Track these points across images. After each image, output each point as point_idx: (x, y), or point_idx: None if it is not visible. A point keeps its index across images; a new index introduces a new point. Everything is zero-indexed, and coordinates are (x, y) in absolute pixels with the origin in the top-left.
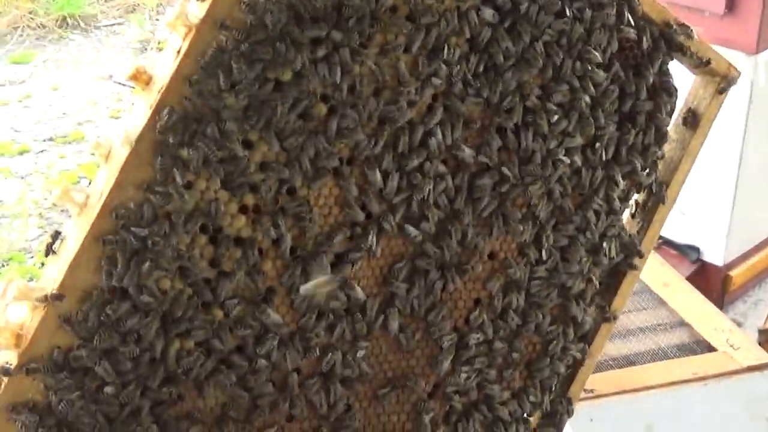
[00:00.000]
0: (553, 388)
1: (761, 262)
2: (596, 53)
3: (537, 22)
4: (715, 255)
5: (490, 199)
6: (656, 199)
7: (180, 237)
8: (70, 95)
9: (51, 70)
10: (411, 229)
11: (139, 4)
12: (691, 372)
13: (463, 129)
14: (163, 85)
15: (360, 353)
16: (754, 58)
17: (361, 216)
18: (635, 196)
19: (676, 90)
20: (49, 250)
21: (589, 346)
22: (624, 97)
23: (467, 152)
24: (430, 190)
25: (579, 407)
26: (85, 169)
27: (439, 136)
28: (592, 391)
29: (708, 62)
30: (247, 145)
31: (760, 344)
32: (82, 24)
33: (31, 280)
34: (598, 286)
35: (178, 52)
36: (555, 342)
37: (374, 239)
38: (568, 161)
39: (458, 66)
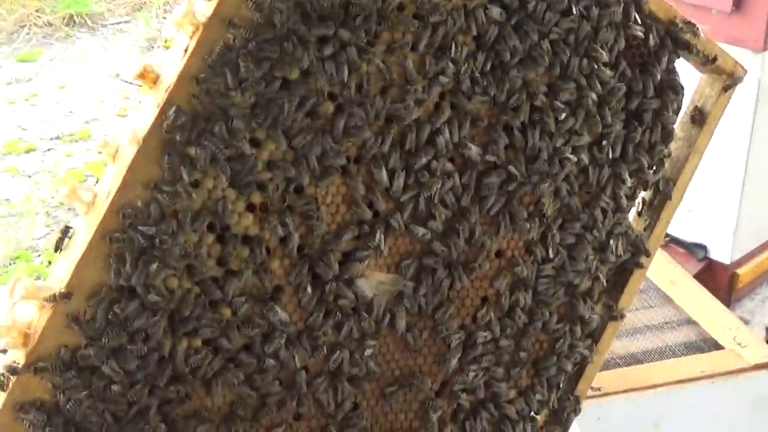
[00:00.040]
0: (561, 386)
1: None
2: (603, 51)
3: (544, 21)
4: (722, 253)
5: (497, 197)
6: (663, 197)
7: (187, 236)
8: (76, 93)
9: (58, 69)
10: (418, 228)
11: (146, 3)
12: (699, 370)
13: (470, 127)
14: (170, 84)
15: (367, 352)
16: (761, 56)
17: (368, 214)
18: (642, 194)
19: (682, 88)
20: (59, 246)
21: (596, 344)
22: (631, 95)
23: (474, 150)
24: (437, 188)
25: (586, 405)
26: (92, 168)
27: (447, 134)
28: (599, 389)
29: (714, 59)
30: (255, 143)
31: (767, 342)
32: (88, 22)
33: (38, 278)
34: (605, 284)
35: (186, 50)
36: (562, 340)
37: (382, 237)
38: (575, 159)
39: (466, 64)
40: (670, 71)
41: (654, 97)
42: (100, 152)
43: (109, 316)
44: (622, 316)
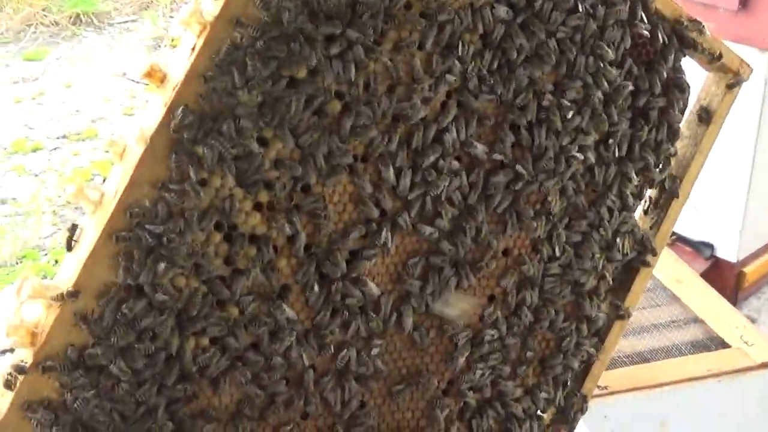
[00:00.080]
0: (567, 385)
1: None
2: (609, 50)
3: (550, 19)
4: (728, 251)
5: (503, 196)
6: (669, 195)
7: (195, 234)
8: (83, 92)
9: (64, 68)
10: (426, 227)
11: (152, 2)
12: (705, 369)
13: (477, 126)
14: (177, 83)
15: (374, 350)
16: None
17: (375, 213)
18: (648, 193)
19: (688, 86)
20: (70, 243)
21: (602, 343)
22: (637, 94)
23: (480, 149)
24: (445, 186)
25: (593, 404)
26: (98, 167)
27: (453, 132)
28: (605, 388)
29: (720, 57)
30: (262, 142)
31: None
32: (95, 21)
33: (44, 277)
34: (611, 282)
35: (193, 49)
36: (569, 338)
37: (388, 235)
38: (582, 158)
39: (473, 63)
40: (676, 70)
41: (660, 96)
42: (107, 151)
43: (117, 316)
44: (629, 315)
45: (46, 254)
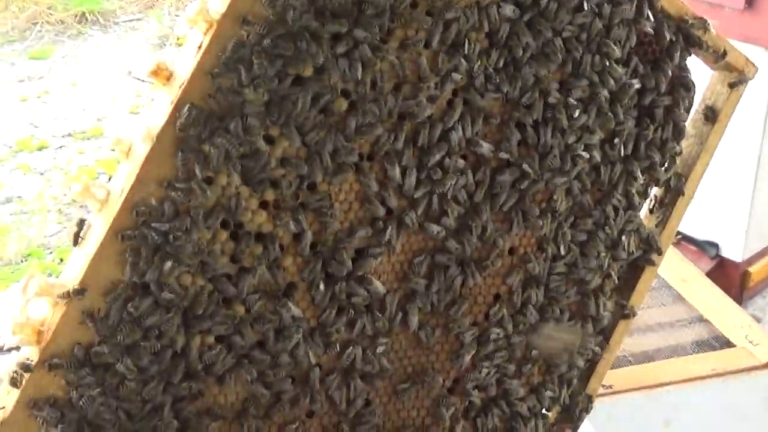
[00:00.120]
0: (572, 383)
1: None
2: (615, 48)
3: (556, 18)
4: (733, 251)
5: (509, 194)
6: (675, 193)
7: (201, 232)
8: (88, 91)
9: (70, 66)
10: (433, 226)
11: (158, 0)
12: (710, 368)
13: (483, 124)
14: (184, 81)
15: (379, 349)
16: None
17: (381, 211)
18: (653, 192)
19: (694, 85)
20: (77, 239)
21: (607, 341)
22: (643, 92)
23: (486, 147)
24: (451, 185)
25: (597, 403)
26: (104, 165)
27: (459, 130)
28: (610, 387)
29: (724, 54)
30: (268, 140)
31: None
32: (100, 20)
33: (50, 276)
34: (616, 281)
35: (199, 47)
36: None
37: (394, 234)
38: (588, 156)
39: (479, 61)
40: (682, 68)
41: (666, 94)
42: (113, 150)
43: (123, 315)
44: (634, 314)
45: (51, 253)
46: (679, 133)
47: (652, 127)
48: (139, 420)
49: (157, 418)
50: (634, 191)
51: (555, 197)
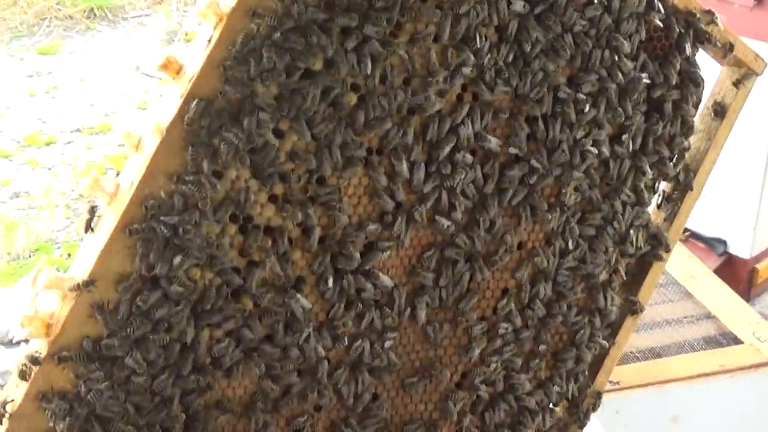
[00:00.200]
0: (580, 378)
1: None
2: (625, 42)
3: (566, 13)
4: (741, 248)
5: (517, 189)
6: (683, 188)
7: (210, 226)
8: (97, 86)
9: (78, 61)
10: (443, 220)
11: None
12: (718, 364)
13: (492, 119)
14: (194, 74)
15: (388, 343)
16: None
17: (390, 205)
18: (661, 186)
19: (702, 80)
20: (89, 225)
21: (615, 335)
22: (652, 86)
23: (494, 142)
24: (460, 179)
25: (605, 399)
26: (111, 160)
27: (468, 124)
28: (618, 383)
29: (731, 48)
30: (278, 134)
31: None
32: (109, 15)
33: (57, 270)
34: (624, 276)
35: (209, 40)
36: (582, 331)
37: (403, 227)
38: (596, 152)
39: (488, 55)
40: (691, 64)
41: (674, 89)
42: (121, 144)
43: (132, 308)
44: (642, 309)
45: (59, 247)
46: (687, 129)
47: (661, 123)
48: (147, 413)
49: (166, 410)
50: (642, 186)
51: (564, 192)
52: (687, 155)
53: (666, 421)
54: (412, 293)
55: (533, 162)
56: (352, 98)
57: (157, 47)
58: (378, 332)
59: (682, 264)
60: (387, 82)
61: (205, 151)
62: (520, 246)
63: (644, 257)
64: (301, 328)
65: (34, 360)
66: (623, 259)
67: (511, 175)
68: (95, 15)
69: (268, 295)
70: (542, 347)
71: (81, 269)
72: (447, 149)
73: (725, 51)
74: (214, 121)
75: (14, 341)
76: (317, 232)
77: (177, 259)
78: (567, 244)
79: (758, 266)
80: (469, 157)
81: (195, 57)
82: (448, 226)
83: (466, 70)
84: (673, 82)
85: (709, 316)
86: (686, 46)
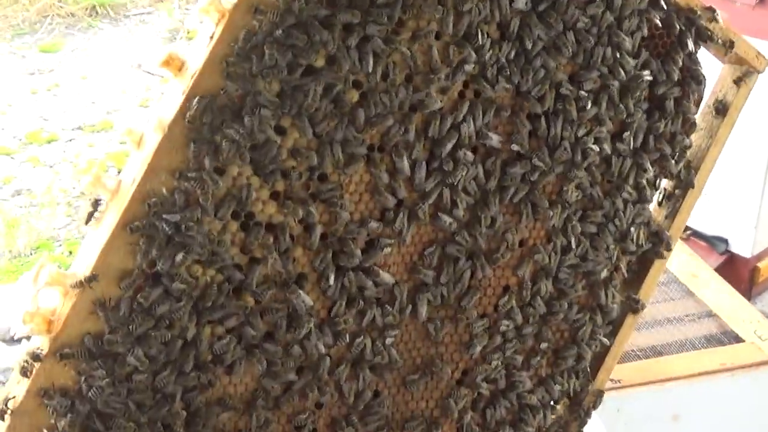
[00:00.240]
0: (580, 375)
1: None
2: (627, 39)
3: (568, 11)
4: (743, 246)
5: (519, 186)
6: (685, 186)
7: (212, 223)
8: (98, 84)
9: (80, 59)
10: (445, 217)
11: None
12: (719, 363)
13: (494, 116)
14: (196, 71)
15: (389, 340)
16: None
17: (392, 202)
18: (663, 184)
19: (704, 78)
20: (91, 217)
21: (616, 332)
22: (653, 85)
23: (495, 139)
24: (462, 176)
25: (606, 397)
26: (113, 158)
27: (470, 121)
28: (619, 381)
29: (732, 45)
30: (280, 131)
31: None
32: (111, 13)
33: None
34: (625, 274)
35: (211, 37)
36: (583, 329)
37: (405, 224)
38: (598, 149)
39: (490, 52)
40: (693, 61)
41: (676, 86)
42: (123, 142)
43: (134, 305)
44: (643, 307)
45: (60, 245)
46: (689, 126)
47: (662, 120)
48: (148, 410)
49: (167, 407)
50: (644, 184)
51: (565, 189)
52: (688, 153)
53: (667, 420)
54: (413, 290)
55: (535, 159)
56: (354, 95)
57: (158, 45)
58: (379, 329)
59: (683, 262)
60: (389, 79)
61: (207, 148)
62: (521, 243)
63: (645, 255)
64: (303, 325)
65: (36, 357)
66: (624, 257)
67: (512, 173)
68: (97, 13)
69: (270, 292)
70: (543, 344)
71: (83, 266)
72: (449, 146)
73: (726, 48)
74: (216, 117)
75: (16, 338)
76: (319, 229)
77: (179, 256)
78: (568, 241)
79: (760, 265)
80: (470, 155)
81: (197, 54)
82: (449, 224)
83: (468, 67)
84: (675, 80)
85: (710, 315)
86: (688, 43)
